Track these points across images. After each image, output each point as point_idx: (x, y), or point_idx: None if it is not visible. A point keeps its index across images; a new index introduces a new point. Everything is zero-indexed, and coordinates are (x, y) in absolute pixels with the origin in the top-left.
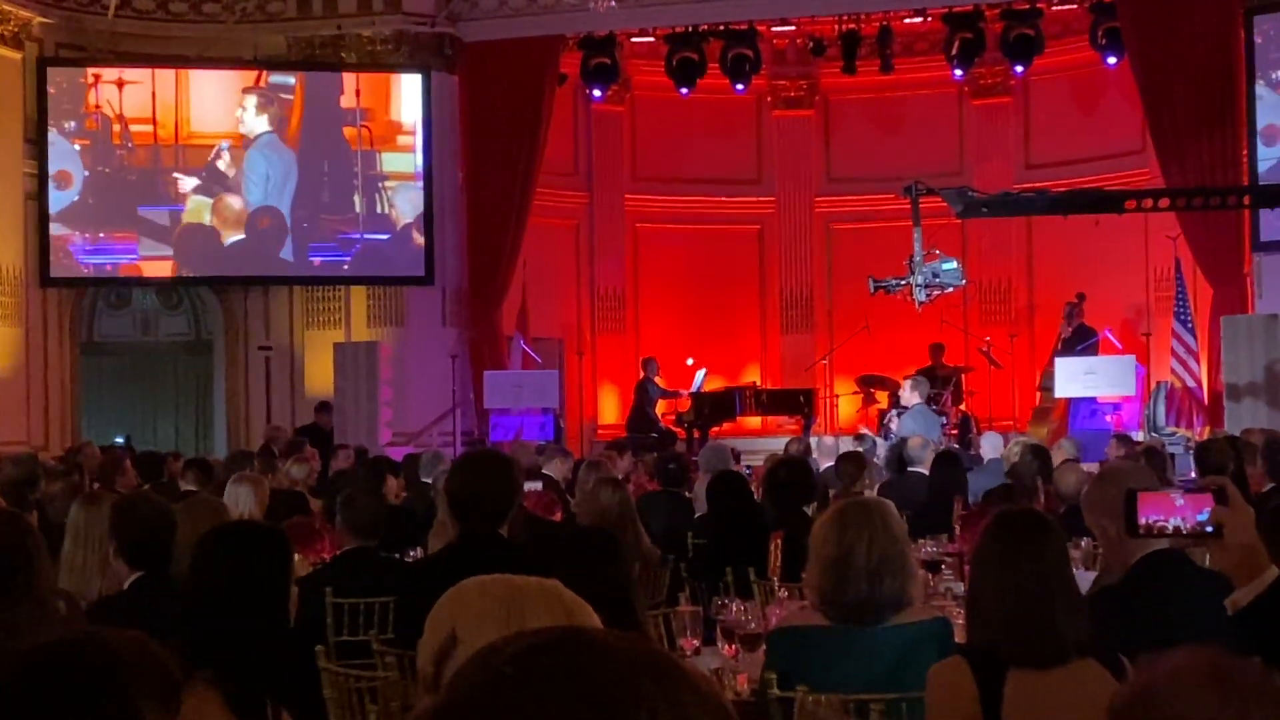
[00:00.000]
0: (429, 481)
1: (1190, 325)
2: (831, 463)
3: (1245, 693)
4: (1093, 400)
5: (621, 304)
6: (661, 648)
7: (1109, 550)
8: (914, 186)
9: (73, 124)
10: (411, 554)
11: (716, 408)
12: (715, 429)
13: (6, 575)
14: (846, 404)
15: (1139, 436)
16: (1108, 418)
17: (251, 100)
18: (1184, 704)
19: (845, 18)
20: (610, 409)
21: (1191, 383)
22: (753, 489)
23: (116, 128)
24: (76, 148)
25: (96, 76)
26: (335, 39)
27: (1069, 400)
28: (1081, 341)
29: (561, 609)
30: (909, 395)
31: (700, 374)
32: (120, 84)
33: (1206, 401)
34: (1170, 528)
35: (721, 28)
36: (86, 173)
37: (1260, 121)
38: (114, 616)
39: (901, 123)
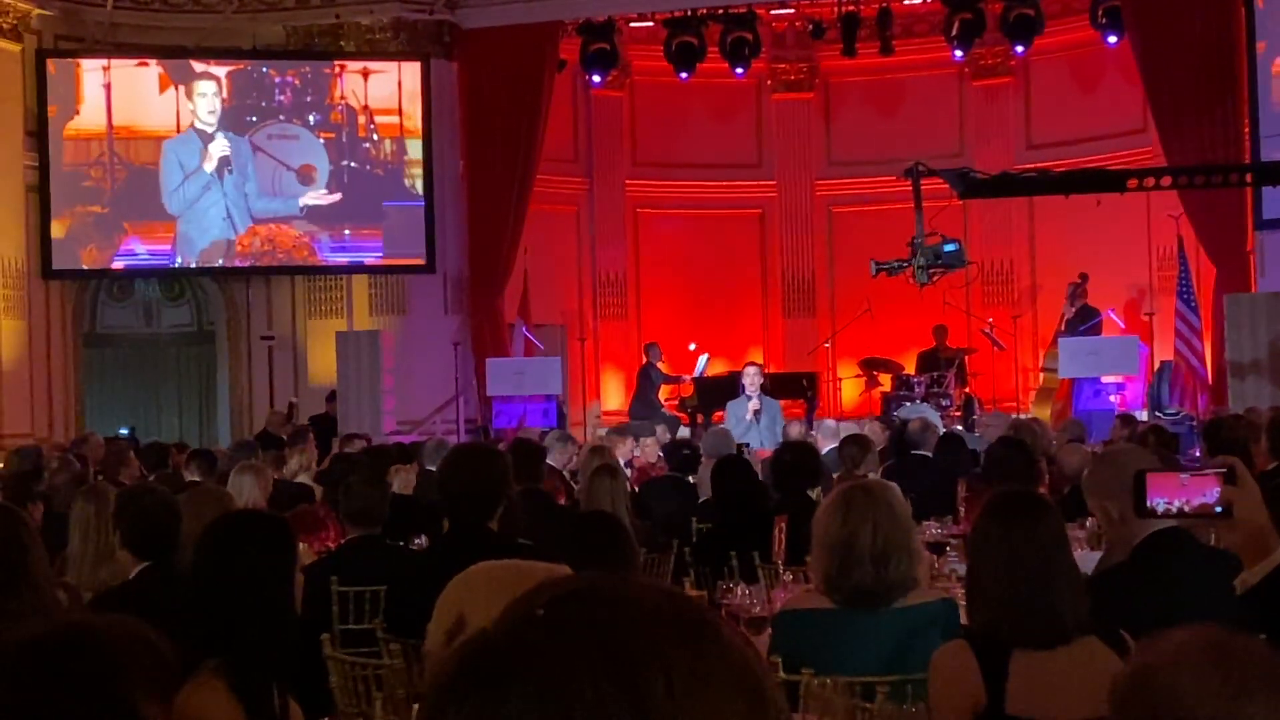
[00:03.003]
0: (433, 469)
1: (1193, 304)
2: (834, 445)
3: (1247, 670)
4: (1096, 380)
5: (623, 289)
6: (708, 609)
7: (1112, 531)
8: (915, 168)
9: (316, 116)
10: (417, 542)
11: (719, 392)
12: (718, 413)
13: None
14: (849, 387)
15: (1143, 416)
16: (1112, 398)
17: None
18: (1186, 682)
19: (844, 0)
20: (613, 395)
21: (1195, 362)
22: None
23: (362, 119)
24: (320, 141)
25: (342, 66)
26: (333, 28)
27: (1073, 381)
28: (1085, 322)
29: None
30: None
31: (703, 359)
32: (365, 74)
33: (1210, 380)
34: (1179, 509)
35: (720, 11)
36: (331, 166)
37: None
38: (120, 606)
39: (902, 104)
